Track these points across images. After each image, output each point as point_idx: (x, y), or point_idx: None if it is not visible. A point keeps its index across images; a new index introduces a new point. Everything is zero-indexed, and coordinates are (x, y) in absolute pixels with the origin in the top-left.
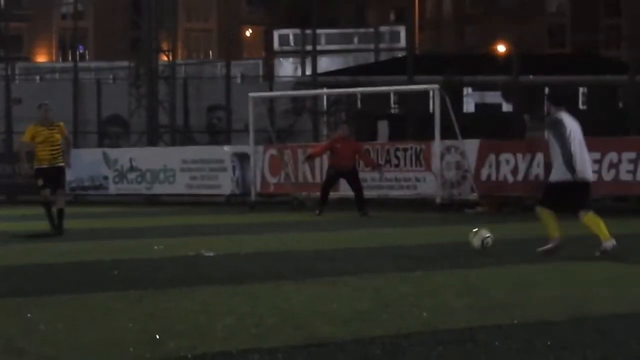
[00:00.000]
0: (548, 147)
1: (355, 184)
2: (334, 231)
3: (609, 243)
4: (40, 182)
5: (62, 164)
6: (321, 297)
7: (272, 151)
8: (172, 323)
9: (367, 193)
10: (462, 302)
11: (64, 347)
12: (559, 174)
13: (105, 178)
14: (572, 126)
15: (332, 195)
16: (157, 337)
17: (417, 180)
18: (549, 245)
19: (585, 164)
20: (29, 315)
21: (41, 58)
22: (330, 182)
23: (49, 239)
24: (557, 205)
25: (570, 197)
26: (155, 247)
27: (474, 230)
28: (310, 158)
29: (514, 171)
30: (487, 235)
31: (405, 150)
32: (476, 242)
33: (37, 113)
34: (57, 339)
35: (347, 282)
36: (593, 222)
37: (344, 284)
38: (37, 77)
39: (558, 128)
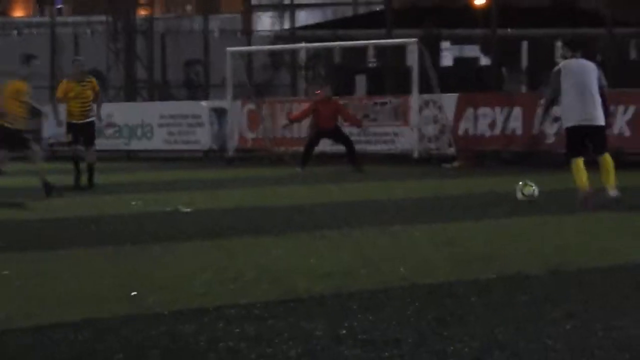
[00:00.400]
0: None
1: (343, 140)
2: (312, 185)
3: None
4: (69, 137)
5: (93, 119)
6: (300, 251)
7: (250, 106)
8: (149, 279)
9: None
10: (440, 255)
11: (39, 303)
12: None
13: None
14: (574, 71)
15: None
16: (135, 292)
17: (395, 134)
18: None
19: (584, 106)
20: (5, 271)
21: (18, 12)
22: (313, 142)
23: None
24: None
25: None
26: (133, 203)
27: (520, 182)
28: (291, 122)
29: (492, 125)
30: (533, 187)
31: (383, 104)
32: (523, 193)
33: (22, 67)
34: (32, 295)
35: (326, 236)
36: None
37: (323, 238)
38: (15, 32)
39: (551, 77)
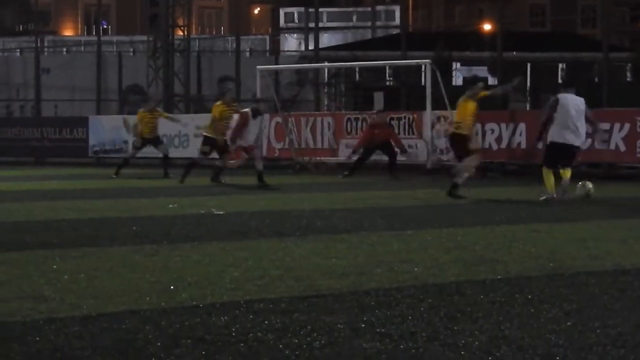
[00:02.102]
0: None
1: (390, 152)
2: (332, 192)
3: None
4: (206, 148)
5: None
6: (320, 252)
7: (277, 119)
8: (184, 275)
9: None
10: (449, 258)
11: (85, 295)
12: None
13: (125, 142)
14: (566, 103)
15: (331, 159)
16: (171, 287)
17: (410, 147)
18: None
19: (569, 131)
20: (54, 266)
21: (67, 32)
22: (365, 157)
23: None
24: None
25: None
26: (170, 206)
27: (580, 183)
28: (355, 152)
29: (498, 139)
30: (591, 186)
31: (399, 119)
32: (581, 191)
33: (70, 82)
34: (79, 288)
35: (344, 239)
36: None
37: (341, 241)
38: (64, 50)
39: (547, 104)
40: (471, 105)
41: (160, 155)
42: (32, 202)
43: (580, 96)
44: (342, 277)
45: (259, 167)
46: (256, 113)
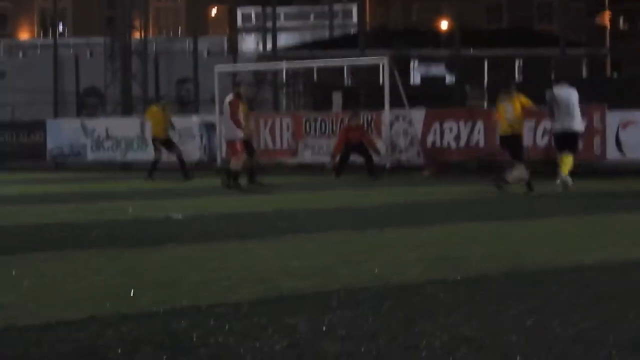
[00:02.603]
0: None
1: (365, 154)
2: (293, 193)
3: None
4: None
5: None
6: (283, 253)
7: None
8: (145, 279)
9: (323, 158)
10: (411, 257)
11: (44, 302)
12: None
13: (83, 146)
14: (560, 95)
15: (293, 161)
16: (132, 292)
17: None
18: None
19: (567, 119)
20: (13, 272)
21: (24, 35)
22: (346, 156)
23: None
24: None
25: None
26: (130, 209)
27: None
28: (334, 157)
29: (457, 138)
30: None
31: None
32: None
33: (27, 85)
34: (39, 293)
35: (307, 239)
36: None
37: (304, 242)
38: (20, 53)
39: (547, 99)
40: (520, 104)
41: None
42: None
43: (537, 92)
44: (305, 278)
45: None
46: (239, 96)
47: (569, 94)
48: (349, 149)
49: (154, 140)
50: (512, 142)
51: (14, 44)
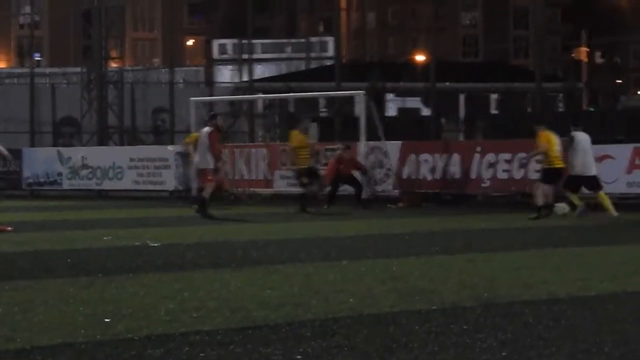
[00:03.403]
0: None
1: (356, 184)
2: (267, 223)
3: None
4: (306, 179)
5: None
6: (256, 283)
7: None
8: (119, 307)
9: (298, 189)
10: (384, 288)
11: (19, 328)
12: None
13: (59, 174)
14: (580, 139)
15: (266, 191)
16: (107, 319)
17: None
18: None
19: (587, 163)
20: None
21: (0, 64)
22: (336, 186)
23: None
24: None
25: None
26: (105, 238)
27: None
28: (326, 185)
29: (432, 169)
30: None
31: (333, 150)
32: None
33: (3, 114)
34: (13, 320)
35: (280, 269)
36: (602, 198)
37: (277, 271)
38: None
39: (569, 143)
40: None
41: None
42: None
43: (514, 126)
44: (278, 308)
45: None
46: (217, 127)
47: (587, 139)
48: (339, 180)
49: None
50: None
51: None
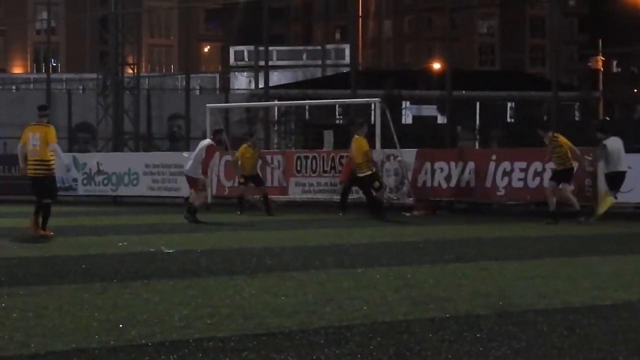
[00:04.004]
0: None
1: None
2: (282, 230)
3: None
4: (377, 184)
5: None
6: (270, 290)
7: (227, 157)
8: (133, 313)
9: (314, 196)
10: (398, 296)
11: (33, 333)
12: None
13: (75, 180)
14: (612, 146)
15: (281, 197)
16: (120, 325)
17: None
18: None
19: (619, 164)
20: (2, 304)
21: (16, 69)
22: (348, 190)
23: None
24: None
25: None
26: (119, 244)
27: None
28: (343, 182)
29: (447, 178)
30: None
31: (349, 157)
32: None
33: (19, 120)
34: (27, 325)
35: (294, 276)
36: (604, 198)
37: (291, 279)
38: (13, 87)
39: (601, 151)
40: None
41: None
42: None
43: (530, 135)
44: (291, 315)
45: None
46: (219, 142)
47: (619, 147)
48: (351, 182)
49: (244, 176)
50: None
51: (6, 78)
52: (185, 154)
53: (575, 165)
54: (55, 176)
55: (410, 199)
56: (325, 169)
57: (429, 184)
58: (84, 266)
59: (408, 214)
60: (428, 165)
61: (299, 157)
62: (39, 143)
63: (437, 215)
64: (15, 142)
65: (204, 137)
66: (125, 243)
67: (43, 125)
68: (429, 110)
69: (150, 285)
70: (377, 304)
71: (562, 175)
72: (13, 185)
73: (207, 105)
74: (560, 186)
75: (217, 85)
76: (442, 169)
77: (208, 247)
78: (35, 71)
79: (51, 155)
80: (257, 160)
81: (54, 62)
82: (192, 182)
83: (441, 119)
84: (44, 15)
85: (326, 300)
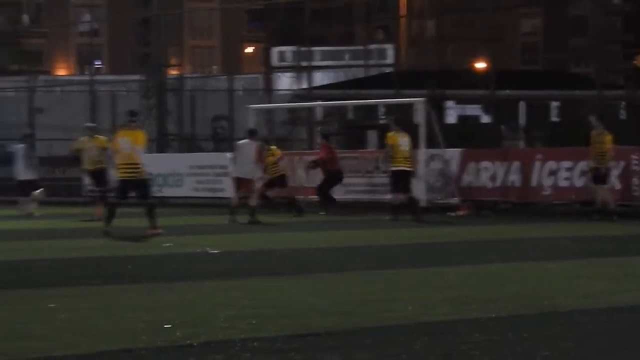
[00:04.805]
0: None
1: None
2: (327, 231)
3: None
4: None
5: None
6: (313, 291)
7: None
8: (178, 313)
9: (359, 197)
10: (441, 297)
11: (81, 334)
12: None
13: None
14: None
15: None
16: (166, 326)
17: None
18: None
19: None
20: (50, 305)
21: (60, 71)
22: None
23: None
24: None
25: None
26: (165, 245)
27: None
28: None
29: (492, 177)
30: None
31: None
32: None
33: (63, 121)
34: (75, 326)
35: (335, 277)
36: None
37: (332, 279)
38: (58, 89)
39: None
40: None
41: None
42: (30, 241)
43: (576, 134)
44: (335, 316)
45: (253, 203)
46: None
47: None
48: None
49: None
50: None
51: (51, 80)
52: (229, 154)
53: (613, 164)
54: (146, 177)
55: (454, 199)
56: (369, 169)
57: (474, 184)
58: (130, 267)
59: (453, 214)
60: (473, 165)
61: (342, 158)
62: (129, 147)
63: (481, 215)
64: (61, 144)
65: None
66: (170, 244)
67: (132, 129)
68: (473, 110)
69: (194, 286)
70: (420, 305)
71: (602, 174)
72: (58, 187)
73: (250, 106)
74: (597, 185)
75: (260, 86)
76: (487, 169)
77: (252, 248)
78: (79, 73)
79: (141, 158)
80: (279, 161)
81: (97, 64)
82: (245, 183)
83: (485, 119)
84: (87, 17)
85: (368, 301)
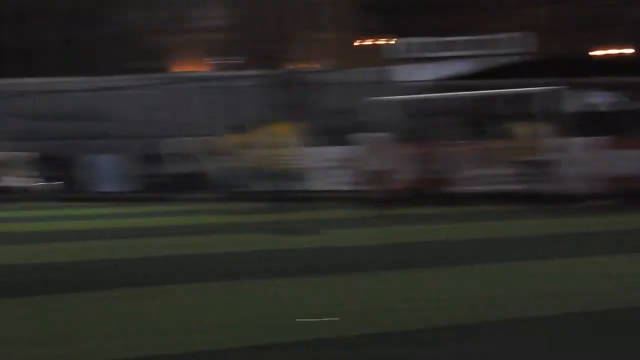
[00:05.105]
0: None
1: None
2: (453, 223)
3: None
4: None
5: None
6: (415, 287)
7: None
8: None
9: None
10: (549, 288)
11: (143, 335)
12: None
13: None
14: None
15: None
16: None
17: None
18: None
19: None
20: (102, 308)
21: (189, 67)
22: None
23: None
24: None
25: None
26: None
27: None
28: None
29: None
30: None
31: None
32: None
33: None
34: (139, 327)
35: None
36: None
37: (435, 274)
38: (186, 86)
39: None
40: None
41: None
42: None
43: None
44: (418, 310)
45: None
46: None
47: None
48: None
49: None
50: None
51: (176, 77)
52: (351, 148)
53: None
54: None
55: (597, 187)
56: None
57: (619, 172)
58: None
59: (594, 203)
60: (617, 153)
61: (475, 149)
62: (283, 141)
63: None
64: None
65: (369, 132)
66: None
67: (284, 124)
68: (613, 97)
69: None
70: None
71: None
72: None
73: (371, 98)
74: None
75: (384, 79)
76: (634, 158)
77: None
78: (211, 69)
79: (291, 151)
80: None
81: (230, 60)
82: (375, 176)
83: (633, 106)
84: (214, 13)
85: (478, 297)
